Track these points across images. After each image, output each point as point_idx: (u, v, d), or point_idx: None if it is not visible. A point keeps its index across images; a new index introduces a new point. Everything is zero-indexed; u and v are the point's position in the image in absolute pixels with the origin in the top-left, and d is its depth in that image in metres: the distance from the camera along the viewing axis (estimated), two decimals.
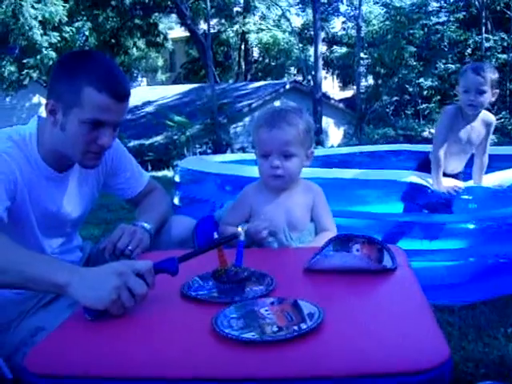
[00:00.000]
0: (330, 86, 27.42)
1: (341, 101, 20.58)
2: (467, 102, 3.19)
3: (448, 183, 3.19)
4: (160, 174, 11.03)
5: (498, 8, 17.06)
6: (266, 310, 1.24)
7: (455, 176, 3.41)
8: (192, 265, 1.67)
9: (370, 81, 20.74)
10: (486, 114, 3.33)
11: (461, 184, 3.16)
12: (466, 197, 3.11)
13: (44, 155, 1.86)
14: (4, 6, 16.01)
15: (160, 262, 1.42)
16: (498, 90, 3.24)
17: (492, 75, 3.16)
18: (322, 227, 1.97)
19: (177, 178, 4.69)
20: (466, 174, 3.48)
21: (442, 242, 3.03)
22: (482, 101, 3.17)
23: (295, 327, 1.15)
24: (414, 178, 3.27)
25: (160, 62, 29.00)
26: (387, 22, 18.74)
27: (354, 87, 19.77)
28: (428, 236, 3.03)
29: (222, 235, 1.82)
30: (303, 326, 1.15)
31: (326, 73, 23.71)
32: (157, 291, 1.45)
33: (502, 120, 14.56)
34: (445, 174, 3.30)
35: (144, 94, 21.06)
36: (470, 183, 3.33)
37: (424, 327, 1.13)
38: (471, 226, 2.99)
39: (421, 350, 1.03)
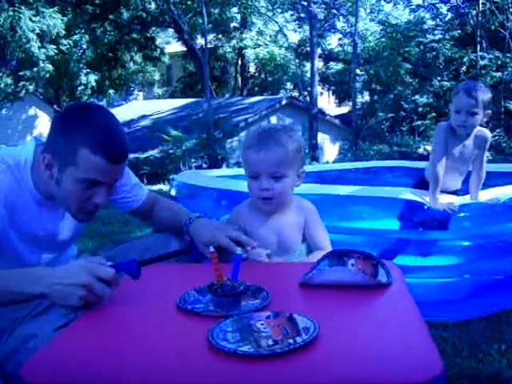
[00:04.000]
0: (326, 102, 27.55)
1: (337, 117, 20.70)
2: (458, 123, 3.18)
3: (444, 200, 3.18)
4: (155, 187, 11.03)
5: (493, 27, 17.25)
6: (262, 324, 1.25)
7: (453, 193, 3.41)
8: (188, 278, 1.69)
9: (366, 97, 20.87)
10: (480, 131, 3.32)
11: (456, 202, 3.15)
12: (462, 214, 3.11)
13: (37, 184, 1.84)
14: (2, 19, 16.08)
15: (121, 263, 1.53)
16: (490, 111, 3.22)
17: (484, 96, 3.14)
18: (317, 246, 1.95)
19: (173, 192, 4.70)
20: (463, 191, 3.48)
21: (437, 258, 3.04)
22: (473, 122, 3.17)
23: (290, 341, 1.15)
24: (409, 195, 3.26)
25: (157, 76, 29.11)
26: (383, 39, 18.92)
27: (350, 103, 19.91)
28: (422, 253, 3.04)
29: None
30: (298, 340, 1.15)
31: (322, 89, 23.84)
32: (153, 304, 1.47)
33: (497, 137, 14.65)
34: (442, 192, 3.30)
35: (140, 107, 21.15)
36: (467, 198, 3.32)
37: (418, 342, 1.14)
38: (466, 243, 3.01)
39: (414, 365, 1.04)
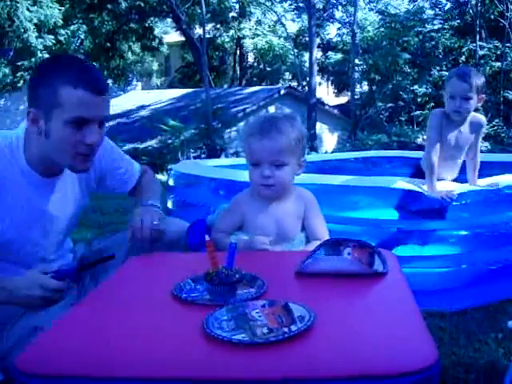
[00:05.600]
0: (325, 92, 27.48)
1: (335, 107, 20.65)
2: (453, 109, 3.17)
3: (442, 188, 3.17)
4: None
5: (492, 17, 17.19)
6: (257, 313, 1.25)
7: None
8: (184, 267, 1.69)
9: (365, 87, 20.81)
10: (474, 116, 3.30)
11: (455, 190, 3.13)
12: (461, 202, 3.10)
13: (30, 160, 1.85)
14: None
15: (63, 270, 1.80)
16: (484, 96, 3.22)
17: (478, 81, 3.14)
18: (315, 236, 1.96)
19: (171, 182, 4.69)
20: (460, 181, 3.47)
21: (434, 248, 3.03)
22: (467, 107, 3.16)
23: (285, 329, 1.15)
24: (406, 184, 3.26)
25: (155, 67, 29.00)
26: (382, 29, 18.83)
27: (349, 93, 19.84)
28: (419, 242, 3.04)
29: (215, 241, 1.80)
30: (293, 328, 1.15)
31: (321, 79, 23.77)
32: (149, 292, 1.47)
33: (496, 127, 14.62)
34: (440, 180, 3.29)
35: (138, 97, 21.08)
36: (465, 185, 3.32)
37: (412, 331, 1.14)
38: (463, 233, 3.00)
39: (409, 353, 1.04)
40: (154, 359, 1.07)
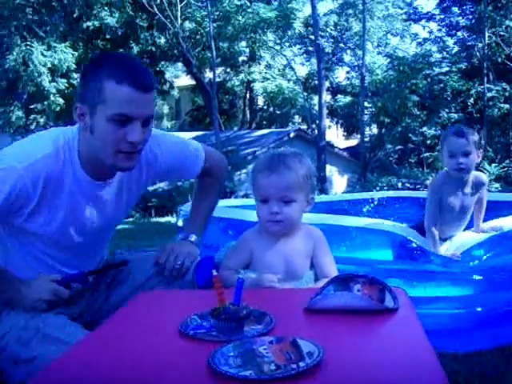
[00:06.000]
0: (335, 135, 27.64)
1: (345, 149, 20.74)
2: (455, 167, 3.14)
3: (446, 251, 3.16)
4: (163, 219, 11.05)
5: (499, 59, 17.35)
6: (265, 349, 1.21)
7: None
8: (191, 304, 1.66)
9: (374, 130, 20.93)
10: (476, 177, 3.29)
11: (458, 251, 3.11)
12: (465, 259, 3.07)
13: (82, 161, 1.85)
14: (14, 53, 16.37)
15: (72, 274, 1.91)
16: (482, 150, 3.21)
17: (474, 136, 3.14)
18: (324, 274, 1.92)
19: (180, 223, 4.67)
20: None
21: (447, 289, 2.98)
22: (469, 163, 3.13)
23: (294, 365, 1.12)
24: (412, 234, 3.23)
25: (166, 110, 29.40)
26: (391, 72, 19.04)
27: (358, 136, 19.95)
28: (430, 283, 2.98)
29: (222, 278, 1.77)
30: (302, 365, 1.12)
31: (330, 122, 23.93)
32: (155, 329, 1.44)
33: (506, 169, 14.59)
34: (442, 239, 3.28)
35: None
36: (468, 233, 3.30)
37: (426, 368, 1.10)
38: (476, 277, 2.96)
39: None
40: None
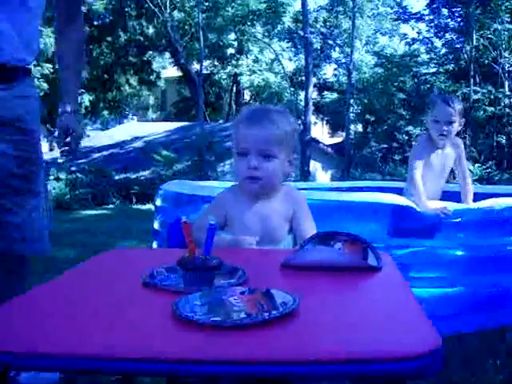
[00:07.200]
0: (320, 132, 27.62)
1: (330, 146, 20.69)
2: (438, 132, 3.30)
3: (436, 205, 3.15)
4: (144, 207, 10.92)
5: (486, 62, 17.39)
6: (235, 299, 1.10)
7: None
8: (159, 259, 1.54)
9: (360, 128, 20.92)
10: (452, 139, 3.43)
11: (450, 206, 3.07)
12: (456, 220, 2.99)
13: None
14: None
15: None
16: (464, 119, 3.37)
17: (459, 106, 3.33)
18: (304, 238, 1.80)
19: (158, 202, 4.53)
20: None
21: (430, 269, 2.89)
22: (451, 131, 3.31)
23: (266, 314, 1.01)
24: (399, 199, 3.19)
25: (151, 101, 29.13)
26: (378, 69, 19.01)
27: (343, 134, 19.91)
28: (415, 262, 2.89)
29: (196, 240, 1.65)
30: (274, 312, 1.01)
31: (316, 119, 23.87)
32: (117, 281, 1.32)
33: (489, 170, 14.63)
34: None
35: (133, 129, 21.07)
36: (460, 204, 3.25)
37: (412, 316, 0.99)
38: (459, 253, 2.87)
39: (410, 337, 0.90)
40: (113, 338, 0.93)
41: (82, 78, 2.34)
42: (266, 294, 1.11)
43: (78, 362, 0.88)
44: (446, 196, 3.47)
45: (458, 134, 3.49)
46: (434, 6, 20.04)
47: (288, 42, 23.25)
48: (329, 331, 0.94)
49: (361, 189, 5.31)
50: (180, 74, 23.67)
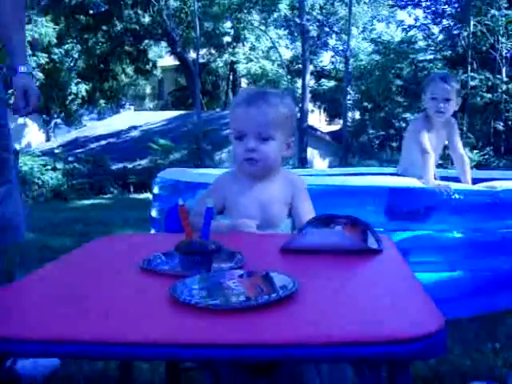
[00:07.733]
0: (317, 119, 27.57)
1: (327, 133, 20.65)
2: (435, 109, 3.29)
3: (439, 181, 3.16)
4: (142, 196, 10.90)
5: (484, 49, 17.32)
6: (234, 283, 1.08)
7: None
8: (157, 245, 1.53)
9: (357, 115, 20.86)
10: (446, 118, 3.42)
11: (451, 185, 3.07)
12: (457, 196, 2.97)
13: None
14: None
15: None
16: (460, 99, 3.37)
17: (457, 84, 3.34)
18: (302, 223, 1.79)
19: (155, 190, 4.51)
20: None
21: (429, 253, 2.88)
22: (448, 108, 3.30)
23: (265, 297, 0.99)
24: (396, 180, 3.18)
25: (148, 90, 29.02)
26: (375, 56, 18.92)
27: (341, 121, 19.86)
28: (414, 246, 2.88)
29: (193, 225, 1.63)
30: (274, 295, 0.99)
31: (314, 106, 23.81)
32: (114, 266, 1.30)
33: (487, 157, 14.63)
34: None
35: (130, 118, 21.00)
36: (461, 184, 3.24)
37: (414, 298, 0.98)
38: (458, 236, 2.86)
39: (412, 318, 0.89)
40: (114, 324, 0.91)
41: (24, 33, 2.26)
42: (265, 277, 1.09)
43: (75, 348, 0.87)
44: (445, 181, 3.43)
45: (454, 117, 3.47)
46: None
47: (285, 30, 23.11)
48: (329, 314, 0.93)
49: (359, 175, 5.29)
50: (176, 62, 23.58)
